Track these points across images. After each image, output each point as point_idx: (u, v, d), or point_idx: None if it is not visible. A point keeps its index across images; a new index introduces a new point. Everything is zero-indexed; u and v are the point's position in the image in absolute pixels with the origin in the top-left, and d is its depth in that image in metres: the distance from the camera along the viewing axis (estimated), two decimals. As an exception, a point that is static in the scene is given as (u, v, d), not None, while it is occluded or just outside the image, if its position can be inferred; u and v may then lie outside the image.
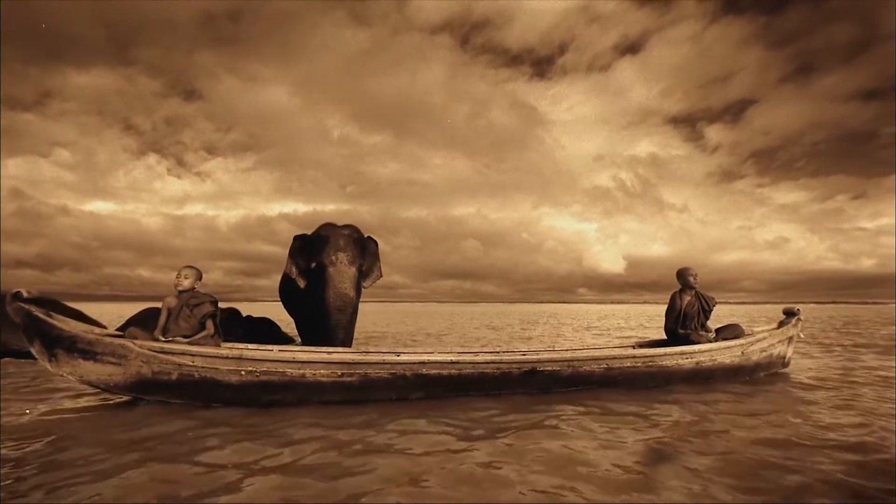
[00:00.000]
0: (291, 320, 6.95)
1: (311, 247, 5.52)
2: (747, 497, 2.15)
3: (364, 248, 5.67)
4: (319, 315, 5.26)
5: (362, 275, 5.62)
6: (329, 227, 5.67)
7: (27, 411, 3.55)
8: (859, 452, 2.70)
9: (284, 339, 6.33)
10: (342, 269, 5.22)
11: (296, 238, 5.76)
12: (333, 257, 5.24)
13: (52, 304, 6.46)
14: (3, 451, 2.65)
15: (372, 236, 5.96)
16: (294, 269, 5.55)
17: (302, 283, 5.53)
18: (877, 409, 3.69)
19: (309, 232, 5.80)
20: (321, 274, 5.23)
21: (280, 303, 6.93)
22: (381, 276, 5.96)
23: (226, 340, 5.61)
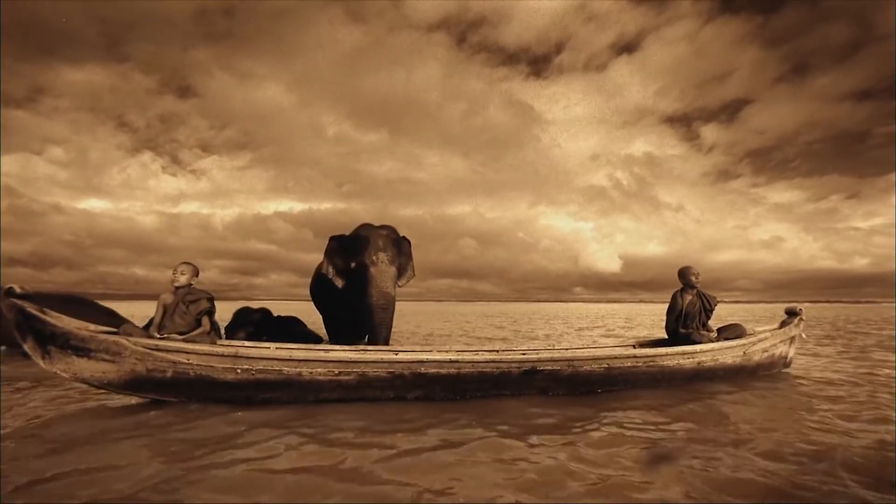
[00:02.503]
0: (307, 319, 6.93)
1: (349, 247, 5.57)
2: (748, 498, 2.13)
3: (399, 248, 5.73)
4: (361, 314, 5.34)
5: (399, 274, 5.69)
6: (368, 227, 5.73)
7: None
8: (860, 453, 2.67)
9: (313, 338, 6.39)
10: (383, 269, 5.28)
11: (332, 238, 5.80)
12: (374, 257, 5.29)
13: (84, 303, 6.55)
14: (4, 451, 2.63)
15: (406, 237, 6.02)
16: (331, 269, 5.60)
17: (339, 283, 5.58)
18: (878, 409, 3.66)
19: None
20: (363, 274, 5.27)
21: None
22: (414, 275, 6.01)
23: (257, 339, 5.64)
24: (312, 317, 7.75)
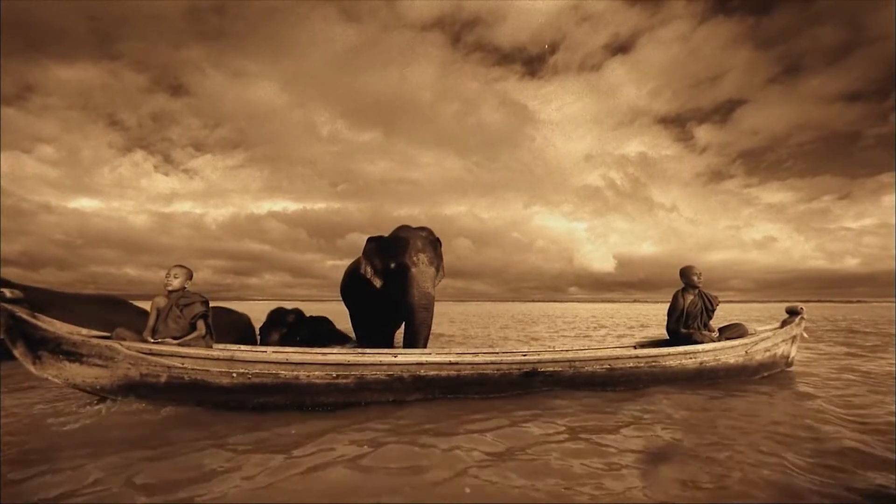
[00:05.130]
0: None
1: (389, 248, 5.63)
2: (749, 498, 2.12)
3: (435, 249, 5.81)
4: (402, 314, 5.49)
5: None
6: (406, 229, 5.83)
7: None
8: (862, 453, 2.65)
9: (341, 338, 6.45)
10: (423, 270, 5.36)
11: (370, 240, 5.91)
12: (415, 258, 5.37)
13: (122, 304, 6.56)
14: (4, 452, 2.63)
15: (438, 238, 6.10)
16: (369, 270, 5.68)
17: (378, 283, 5.66)
18: (880, 409, 3.64)
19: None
20: (404, 274, 5.34)
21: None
22: (444, 275, 6.07)
23: (289, 341, 5.66)
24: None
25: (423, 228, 5.87)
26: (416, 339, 5.26)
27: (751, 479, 2.31)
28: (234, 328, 6.08)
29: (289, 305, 6.92)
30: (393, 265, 5.43)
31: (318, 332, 6.24)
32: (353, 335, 7.15)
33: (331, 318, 7.16)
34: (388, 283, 5.56)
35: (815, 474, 2.35)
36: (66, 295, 6.20)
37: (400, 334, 6.30)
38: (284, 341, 5.76)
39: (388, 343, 6.16)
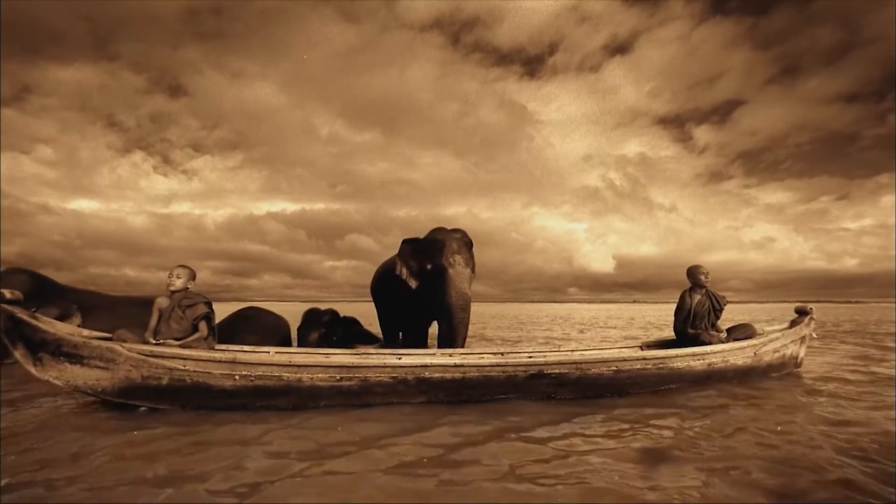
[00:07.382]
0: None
1: (425, 250, 5.72)
2: (752, 498, 2.11)
3: (469, 251, 5.91)
4: (436, 314, 5.65)
5: None
6: (442, 230, 5.93)
7: None
8: (868, 455, 2.62)
9: (370, 338, 6.51)
10: (460, 271, 5.44)
11: (405, 241, 6.00)
12: (451, 259, 5.45)
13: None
14: (4, 452, 2.61)
15: (471, 240, 6.20)
16: (405, 271, 5.77)
17: (414, 284, 5.73)
18: (883, 412, 3.58)
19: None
20: (441, 275, 5.41)
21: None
22: (475, 276, 6.13)
23: (327, 341, 5.65)
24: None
25: (457, 230, 5.97)
26: (454, 338, 5.34)
27: (751, 480, 2.30)
28: (278, 330, 6.07)
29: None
30: (429, 266, 5.50)
31: (348, 331, 6.27)
32: (380, 336, 7.25)
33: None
34: (424, 283, 5.64)
35: (816, 478, 2.32)
36: (110, 297, 6.35)
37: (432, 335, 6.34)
38: (322, 341, 5.78)
39: (423, 342, 6.27)
